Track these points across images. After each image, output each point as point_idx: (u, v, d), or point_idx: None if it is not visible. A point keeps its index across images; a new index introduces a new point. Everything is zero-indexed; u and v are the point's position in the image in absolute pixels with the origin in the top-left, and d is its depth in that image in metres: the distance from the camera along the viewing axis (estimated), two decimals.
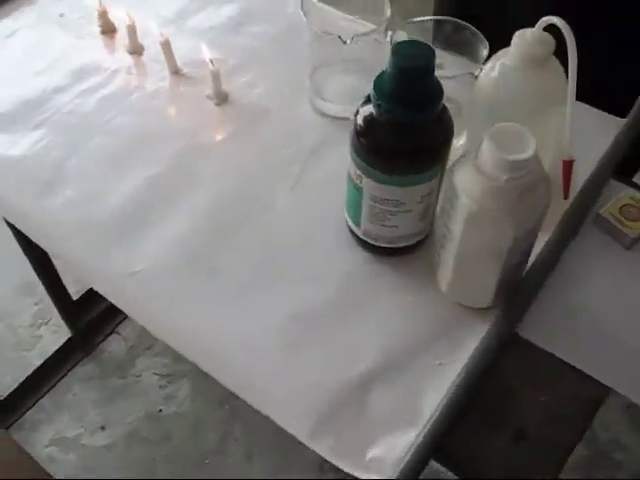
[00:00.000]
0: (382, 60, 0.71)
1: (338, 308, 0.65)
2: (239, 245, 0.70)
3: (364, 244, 0.67)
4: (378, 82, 0.56)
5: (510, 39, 0.62)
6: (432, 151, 0.58)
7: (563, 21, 0.56)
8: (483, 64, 0.67)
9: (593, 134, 0.75)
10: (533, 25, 0.60)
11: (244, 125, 0.80)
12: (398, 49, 0.54)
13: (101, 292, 0.70)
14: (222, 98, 0.82)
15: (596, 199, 0.71)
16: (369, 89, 0.77)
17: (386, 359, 0.62)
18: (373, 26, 0.75)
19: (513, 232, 0.55)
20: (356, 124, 0.59)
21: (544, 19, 0.58)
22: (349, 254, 0.69)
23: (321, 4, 0.78)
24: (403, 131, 0.57)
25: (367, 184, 0.60)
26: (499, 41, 0.66)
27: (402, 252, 0.67)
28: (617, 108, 0.78)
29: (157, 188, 0.74)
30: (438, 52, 0.74)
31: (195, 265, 0.69)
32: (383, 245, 0.66)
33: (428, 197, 0.62)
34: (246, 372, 0.63)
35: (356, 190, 0.62)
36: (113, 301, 0.70)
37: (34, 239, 0.75)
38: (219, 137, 0.80)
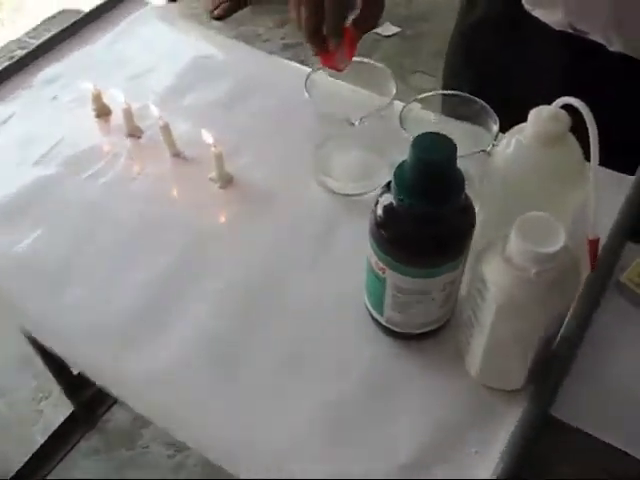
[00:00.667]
0: (389, 134, 0.71)
1: (364, 399, 0.63)
2: (256, 334, 0.68)
3: (386, 330, 0.66)
4: (398, 174, 0.55)
5: (517, 114, 0.61)
6: (457, 241, 0.57)
7: (582, 102, 0.56)
8: (495, 140, 0.66)
9: (605, 194, 0.73)
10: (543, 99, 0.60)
11: (251, 208, 0.79)
12: (419, 142, 0.53)
13: (116, 396, 0.68)
14: (226, 180, 0.80)
15: (615, 263, 0.70)
16: (376, 164, 0.77)
17: (419, 453, 0.60)
18: (378, 97, 0.75)
19: (544, 321, 0.54)
20: (376, 215, 0.58)
21: (561, 99, 0.58)
22: (371, 339, 0.67)
23: (325, 76, 0.77)
24: (427, 223, 0.55)
25: (390, 276, 0.59)
26: (508, 114, 0.65)
27: (426, 337, 0.65)
28: (628, 166, 0.77)
29: (167, 280, 0.72)
30: (446, 121, 0.74)
31: (210, 359, 0.66)
32: (406, 331, 0.65)
33: (451, 285, 0.60)
34: (267, 470, 0.60)
35: (378, 280, 0.61)
36: (130, 405, 0.67)
37: (42, 341, 0.73)
38: (227, 222, 0.78)
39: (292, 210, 0.78)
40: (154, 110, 0.83)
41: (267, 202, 0.79)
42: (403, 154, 0.55)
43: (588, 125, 0.55)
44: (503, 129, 0.66)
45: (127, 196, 0.81)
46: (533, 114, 0.60)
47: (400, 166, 0.55)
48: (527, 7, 0.81)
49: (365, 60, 0.74)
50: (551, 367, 0.62)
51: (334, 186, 0.78)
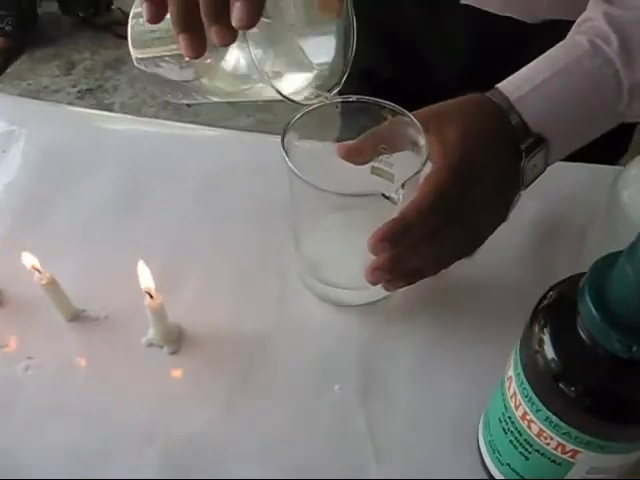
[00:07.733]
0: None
1: None
2: None
3: None
4: (606, 301, 0.30)
5: None
6: None
7: None
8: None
9: None
10: None
11: (235, 374, 0.50)
12: None
13: None
14: (174, 339, 0.51)
15: None
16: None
17: None
18: None
19: None
20: (548, 364, 0.33)
21: None
22: None
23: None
24: None
25: (585, 459, 0.35)
26: None
27: None
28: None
29: None
30: None
31: None
32: None
33: None
34: None
35: (553, 466, 0.36)
36: None
37: None
38: (210, 411, 0.48)
39: (297, 358, 0.50)
40: (27, 259, 0.50)
41: (253, 357, 0.50)
42: None
43: None
44: None
45: (16, 420, 0.49)
46: None
47: (600, 284, 0.30)
48: None
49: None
50: None
51: (344, 297, 0.52)
